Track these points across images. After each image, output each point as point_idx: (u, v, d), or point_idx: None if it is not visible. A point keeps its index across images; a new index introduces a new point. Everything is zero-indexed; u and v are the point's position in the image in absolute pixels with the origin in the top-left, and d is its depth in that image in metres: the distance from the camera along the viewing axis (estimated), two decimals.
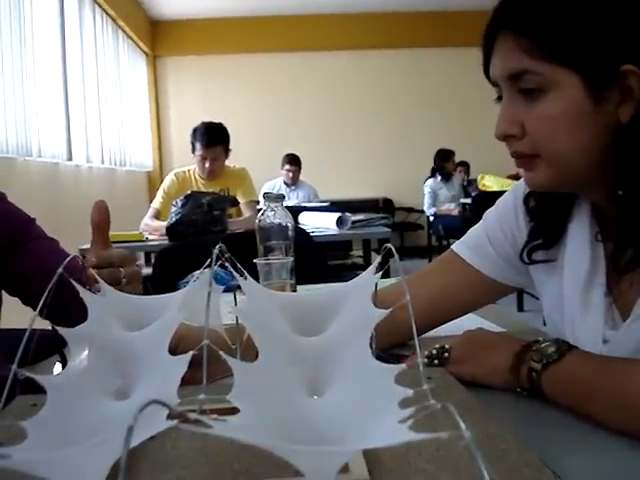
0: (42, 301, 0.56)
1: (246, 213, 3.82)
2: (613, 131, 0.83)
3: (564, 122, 0.84)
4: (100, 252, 0.99)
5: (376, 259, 0.60)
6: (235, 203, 3.73)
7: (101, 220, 0.99)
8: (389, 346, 1.07)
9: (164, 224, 3.43)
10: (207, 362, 0.49)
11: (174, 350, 0.57)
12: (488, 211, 1.14)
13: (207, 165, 3.84)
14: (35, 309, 1.23)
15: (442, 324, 1.13)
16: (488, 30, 0.90)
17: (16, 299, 1.34)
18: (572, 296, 0.97)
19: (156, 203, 3.96)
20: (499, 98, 0.91)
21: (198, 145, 3.84)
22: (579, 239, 0.97)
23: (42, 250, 1.29)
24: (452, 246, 1.16)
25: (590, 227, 0.96)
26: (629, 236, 0.84)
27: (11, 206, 1.32)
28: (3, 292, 1.35)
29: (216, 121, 3.99)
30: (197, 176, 3.98)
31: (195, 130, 3.89)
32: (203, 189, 3.83)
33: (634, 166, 0.83)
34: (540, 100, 0.85)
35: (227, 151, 3.92)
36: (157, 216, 3.87)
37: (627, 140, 0.82)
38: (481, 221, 1.14)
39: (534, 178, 0.90)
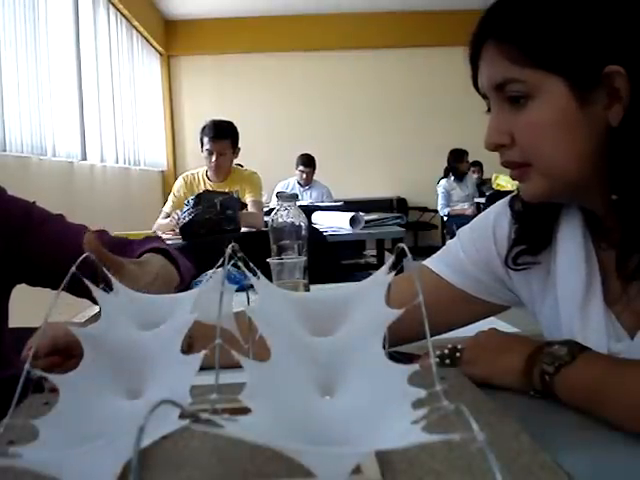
0: (63, 283, 0.56)
1: (251, 209, 3.82)
2: (603, 135, 0.81)
3: (552, 128, 0.83)
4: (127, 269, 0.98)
5: (389, 259, 0.60)
6: (243, 207, 3.73)
7: (98, 252, 0.93)
8: (395, 345, 1.05)
9: (172, 221, 3.49)
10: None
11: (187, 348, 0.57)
12: (462, 229, 1.11)
13: (214, 159, 3.85)
14: (57, 287, 1.23)
15: (415, 341, 1.06)
16: (472, 42, 0.89)
17: (28, 298, 1.34)
18: (570, 310, 0.94)
19: (167, 207, 4.01)
20: (490, 110, 0.90)
21: (205, 139, 3.88)
22: (571, 250, 0.94)
23: (51, 231, 1.28)
24: (424, 262, 1.12)
25: (583, 236, 0.94)
26: (633, 242, 0.82)
27: (9, 198, 1.30)
28: (14, 290, 1.35)
29: (229, 120, 4.01)
30: (205, 178, 4.00)
31: (204, 127, 3.93)
32: None
33: (627, 170, 0.81)
34: (527, 107, 0.84)
35: (235, 149, 3.94)
36: None
37: (618, 143, 0.81)
38: (455, 239, 1.11)
39: (528, 189, 0.89)
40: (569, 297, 0.94)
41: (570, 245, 0.94)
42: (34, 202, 1.33)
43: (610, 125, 0.81)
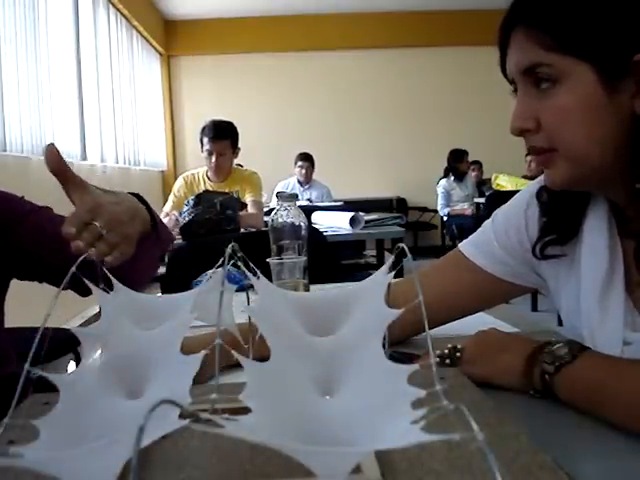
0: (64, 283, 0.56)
1: (251, 210, 3.82)
2: (628, 123, 0.82)
3: (578, 113, 0.83)
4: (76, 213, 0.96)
5: (389, 259, 0.60)
6: (243, 207, 3.73)
7: (56, 163, 0.97)
8: (394, 342, 1.06)
9: (170, 219, 3.49)
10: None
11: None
12: (498, 210, 1.13)
13: (214, 159, 3.86)
14: (47, 279, 1.23)
15: (447, 323, 1.11)
16: (502, 27, 0.90)
17: (27, 298, 1.34)
18: (590, 297, 0.95)
19: (167, 207, 3.99)
20: (515, 91, 0.91)
21: (205, 140, 3.89)
22: (596, 238, 0.95)
23: (39, 221, 1.28)
24: (459, 245, 1.15)
25: (608, 226, 0.94)
26: None
27: None
28: (11, 287, 1.34)
29: (228, 120, 4.01)
30: (206, 178, 4.00)
31: (204, 127, 3.94)
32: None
33: None
34: (554, 93, 0.84)
35: (235, 149, 3.94)
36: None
37: None
38: (490, 220, 1.12)
39: (553, 175, 0.89)
40: (591, 285, 0.95)
41: (595, 235, 0.96)
42: (22, 197, 1.33)
43: (636, 114, 0.81)
